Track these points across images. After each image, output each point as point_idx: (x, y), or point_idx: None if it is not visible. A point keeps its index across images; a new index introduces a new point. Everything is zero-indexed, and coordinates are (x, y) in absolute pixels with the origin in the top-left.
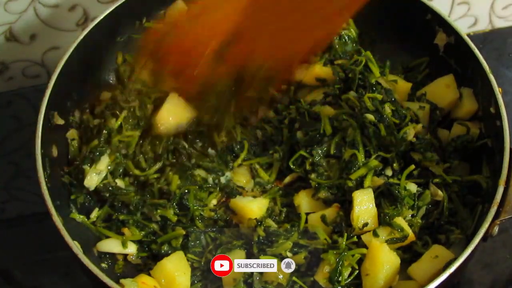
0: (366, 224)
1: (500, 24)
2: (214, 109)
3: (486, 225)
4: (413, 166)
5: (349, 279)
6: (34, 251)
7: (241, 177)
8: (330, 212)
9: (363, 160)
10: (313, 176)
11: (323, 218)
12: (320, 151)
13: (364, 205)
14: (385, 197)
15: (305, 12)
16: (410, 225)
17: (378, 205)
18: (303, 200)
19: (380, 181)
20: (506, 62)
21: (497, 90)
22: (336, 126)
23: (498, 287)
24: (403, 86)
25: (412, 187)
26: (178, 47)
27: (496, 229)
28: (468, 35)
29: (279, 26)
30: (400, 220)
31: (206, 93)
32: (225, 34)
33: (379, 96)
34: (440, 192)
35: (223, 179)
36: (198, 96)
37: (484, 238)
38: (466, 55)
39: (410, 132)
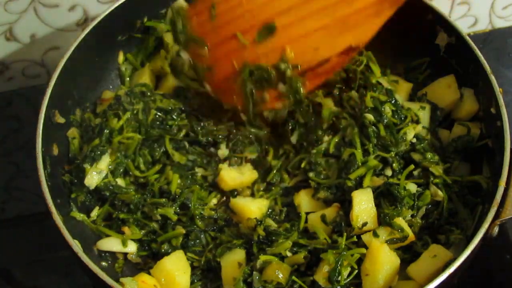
0: (365, 224)
1: (500, 24)
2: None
3: (486, 226)
4: (412, 166)
5: (349, 279)
6: (34, 251)
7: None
8: (330, 212)
9: (361, 159)
10: (311, 175)
11: (323, 217)
12: (318, 150)
13: (363, 205)
14: (385, 197)
15: (337, 16)
16: (410, 225)
17: (378, 205)
18: (303, 200)
19: (379, 181)
20: (506, 62)
21: (498, 91)
22: (336, 125)
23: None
24: (404, 86)
25: (412, 187)
26: (218, 33)
27: (496, 229)
28: (468, 35)
29: (313, 26)
30: (400, 221)
31: (239, 86)
32: (264, 24)
33: (383, 97)
34: (440, 193)
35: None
36: (229, 90)
37: (484, 239)
38: (467, 56)
39: (410, 132)
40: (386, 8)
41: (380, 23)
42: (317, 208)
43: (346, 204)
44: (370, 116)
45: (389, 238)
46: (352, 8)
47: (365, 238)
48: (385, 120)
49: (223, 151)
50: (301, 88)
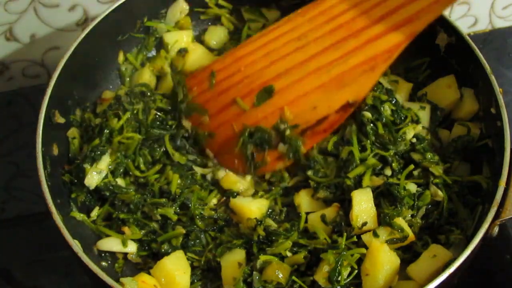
0: (365, 224)
1: (500, 24)
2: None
3: (486, 226)
4: (412, 166)
5: (349, 279)
6: (34, 251)
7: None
8: (330, 212)
9: (359, 155)
10: (309, 173)
11: (323, 217)
12: (316, 146)
13: (363, 205)
14: (385, 197)
15: (334, 75)
16: (410, 225)
17: (377, 205)
18: (303, 200)
19: (379, 181)
20: (506, 62)
21: (498, 91)
22: None
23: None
24: (404, 86)
25: (412, 187)
26: (218, 100)
27: (496, 229)
28: (468, 35)
29: (310, 86)
30: (400, 221)
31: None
32: (262, 88)
33: (383, 97)
34: (440, 193)
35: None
36: (231, 153)
37: (484, 239)
38: (467, 56)
39: (410, 132)
40: (381, 62)
41: (376, 78)
42: (317, 208)
43: (346, 204)
44: (368, 114)
45: (389, 238)
46: (348, 66)
47: (365, 238)
48: (384, 119)
49: None
50: (301, 147)
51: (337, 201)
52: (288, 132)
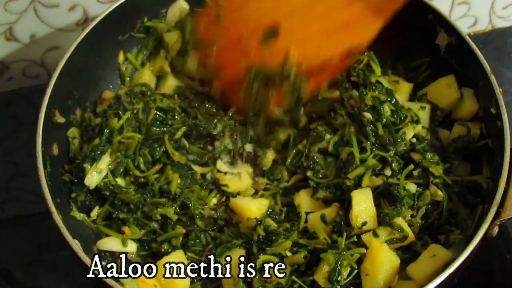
0: (365, 223)
1: (500, 24)
2: (252, 102)
3: (486, 226)
4: (412, 166)
5: (348, 279)
6: (34, 251)
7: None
8: (330, 212)
9: (359, 156)
10: (309, 173)
11: (322, 217)
12: (316, 147)
13: (363, 205)
14: (385, 197)
15: (339, 19)
16: (410, 225)
17: (377, 205)
18: (303, 200)
19: (379, 181)
20: (506, 62)
21: (498, 91)
22: (333, 123)
23: None
24: (404, 86)
25: (412, 187)
26: (225, 35)
27: (496, 229)
28: (468, 35)
29: (315, 29)
30: (400, 221)
31: (246, 86)
32: (268, 27)
33: (383, 97)
34: (440, 193)
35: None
36: (237, 90)
37: (484, 239)
38: (467, 56)
39: (409, 132)
40: (386, 9)
41: (380, 24)
42: (317, 208)
43: (345, 204)
44: (368, 115)
45: (389, 238)
46: (352, 11)
47: (365, 238)
48: (384, 119)
49: (222, 143)
50: (305, 85)
51: (337, 201)
52: (293, 70)
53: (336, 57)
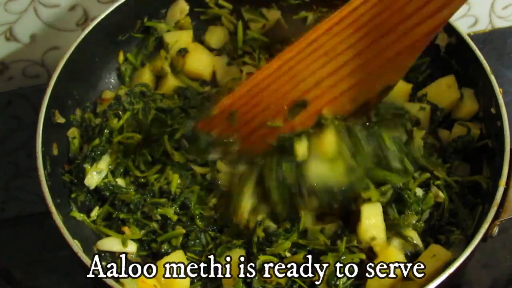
0: (374, 238)
1: (500, 24)
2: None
3: (486, 226)
4: (428, 175)
5: (348, 283)
6: (34, 251)
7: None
8: (330, 227)
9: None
10: None
11: (322, 230)
12: None
13: (372, 220)
14: (392, 204)
15: (369, 71)
16: (414, 229)
17: (385, 212)
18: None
19: (386, 187)
20: (506, 62)
21: (498, 91)
22: None
23: None
24: (403, 87)
25: (419, 191)
26: (251, 112)
27: (496, 229)
28: (468, 35)
29: (346, 87)
30: (412, 233)
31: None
32: (295, 100)
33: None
34: (441, 194)
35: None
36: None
37: (484, 239)
38: (467, 56)
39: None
40: (420, 43)
41: (415, 57)
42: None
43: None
44: None
45: (400, 248)
46: (384, 59)
47: (376, 248)
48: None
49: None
50: None
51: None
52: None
53: (373, 99)
